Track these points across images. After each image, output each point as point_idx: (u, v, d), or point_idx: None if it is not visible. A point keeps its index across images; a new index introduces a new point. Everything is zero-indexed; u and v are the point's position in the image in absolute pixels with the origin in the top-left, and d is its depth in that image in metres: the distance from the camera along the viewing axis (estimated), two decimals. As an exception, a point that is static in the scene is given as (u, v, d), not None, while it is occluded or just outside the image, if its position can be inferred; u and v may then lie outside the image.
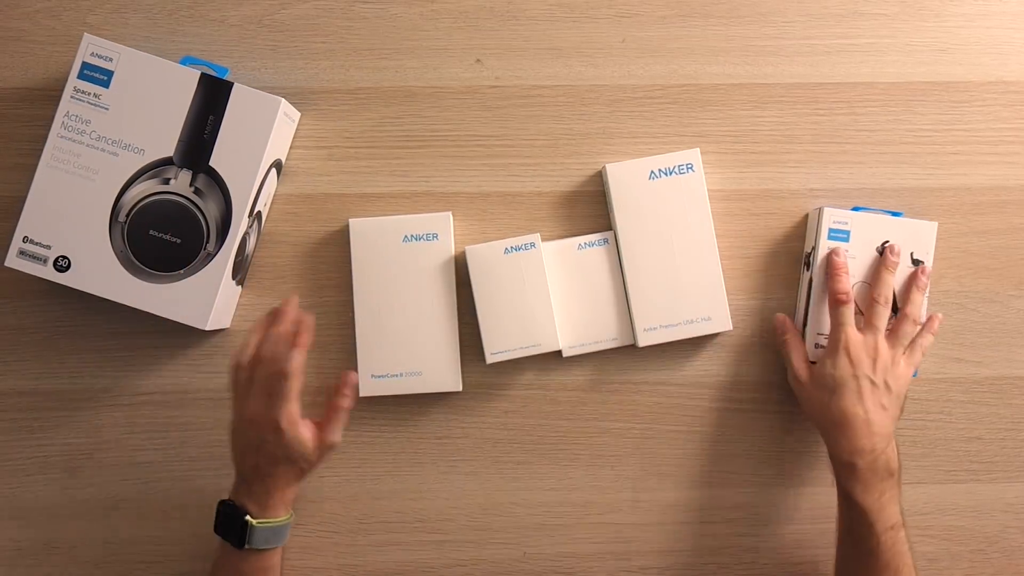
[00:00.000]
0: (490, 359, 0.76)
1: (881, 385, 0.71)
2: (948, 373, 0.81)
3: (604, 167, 0.77)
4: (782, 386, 0.80)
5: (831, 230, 0.76)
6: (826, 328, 0.75)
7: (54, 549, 0.78)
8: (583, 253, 0.78)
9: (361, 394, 0.76)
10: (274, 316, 0.70)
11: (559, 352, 0.78)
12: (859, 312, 0.74)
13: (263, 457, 0.68)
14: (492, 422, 0.79)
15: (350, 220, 0.77)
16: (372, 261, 0.77)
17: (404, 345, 0.76)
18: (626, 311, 0.77)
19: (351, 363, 0.78)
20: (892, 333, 0.73)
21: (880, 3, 0.82)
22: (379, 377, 0.76)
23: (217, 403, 0.79)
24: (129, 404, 0.79)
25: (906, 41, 0.82)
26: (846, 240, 0.76)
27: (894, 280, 0.75)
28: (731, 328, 0.77)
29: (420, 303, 0.76)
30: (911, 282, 0.75)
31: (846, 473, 0.70)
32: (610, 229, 0.78)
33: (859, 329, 0.73)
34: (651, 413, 0.80)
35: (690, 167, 0.77)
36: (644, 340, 0.77)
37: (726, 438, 0.80)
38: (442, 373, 0.76)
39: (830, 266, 0.75)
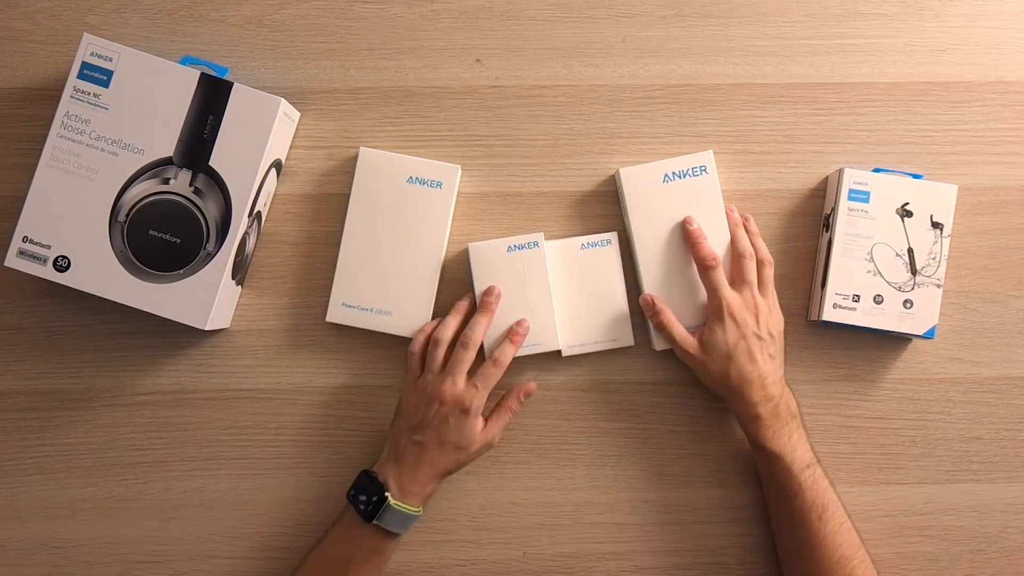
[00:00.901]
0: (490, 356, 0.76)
1: (766, 337, 0.73)
2: (948, 373, 0.81)
3: (618, 171, 0.77)
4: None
5: (851, 191, 0.77)
6: (846, 287, 0.76)
7: (54, 549, 0.78)
8: (586, 253, 0.78)
9: (328, 319, 0.77)
10: (478, 302, 0.74)
11: (558, 352, 0.78)
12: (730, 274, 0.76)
13: (434, 436, 0.71)
14: (492, 422, 0.79)
15: (361, 148, 0.78)
16: (372, 193, 0.77)
17: (382, 282, 0.76)
18: (628, 313, 0.77)
19: (324, 292, 0.79)
20: (753, 282, 0.74)
21: (880, 3, 0.82)
22: (350, 307, 0.76)
23: (216, 403, 0.79)
24: (129, 404, 0.79)
25: (906, 41, 0.82)
26: (866, 201, 0.77)
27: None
28: None
29: (407, 246, 0.76)
30: (745, 230, 0.77)
31: (754, 426, 0.72)
32: (612, 230, 0.78)
33: (733, 287, 0.74)
34: (651, 413, 0.80)
35: (704, 169, 0.77)
36: (660, 344, 0.77)
37: (726, 438, 0.80)
38: (410, 318, 0.76)
39: (689, 235, 0.75)
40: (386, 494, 0.70)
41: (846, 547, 0.69)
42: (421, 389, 0.73)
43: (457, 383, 0.72)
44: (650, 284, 0.77)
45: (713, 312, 0.73)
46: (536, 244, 0.76)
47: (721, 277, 0.74)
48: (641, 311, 0.78)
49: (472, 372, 0.73)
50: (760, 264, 0.75)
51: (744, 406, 0.72)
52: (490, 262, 0.76)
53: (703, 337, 0.74)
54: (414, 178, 0.77)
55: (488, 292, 0.75)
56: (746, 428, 0.73)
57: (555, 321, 0.76)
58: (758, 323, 0.73)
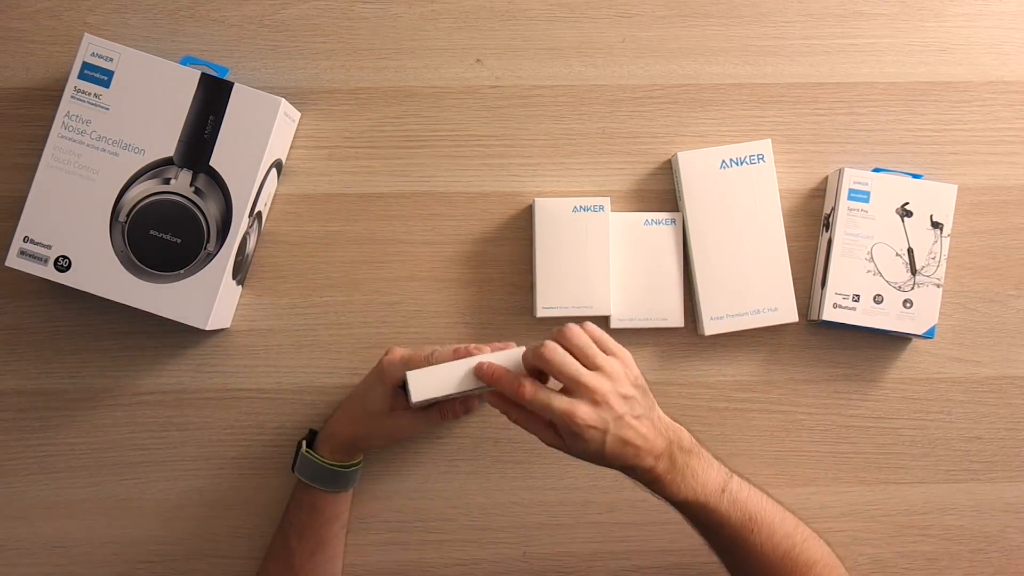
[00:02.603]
0: (540, 313, 0.77)
1: (627, 403, 0.62)
2: (948, 373, 0.81)
3: (675, 155, 0.79)
4: (782, 386, 0.80)
5: (851, 191, 0.77)
6: (846, 287, 0.76)
7: (54, 549, 0.78)
8: (649, 229, 0.78)
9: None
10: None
11: (607, 321, 0.78)
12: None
13: (361, 394, 0.73)
14: (492, 421, 0.79)
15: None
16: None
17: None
18: (681, 294, 0.78)
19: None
20: (567, 369, 0.62)
21: (880, 3, 0.82)
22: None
23: (217, 403, 0.79)
24: (129, 404, 0.79)
25: (906, 41, 0.82)
26: (866, 201, 0.77)
27: None
28: (797, 319, 0.77)
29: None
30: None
31: (657, 486, 0.65)
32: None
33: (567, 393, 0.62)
34: (651, 413, 0.80)
35: (761, 158, 0.78)
36: (711, 329, 0.77)
37: (726, 438, 0.80)
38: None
39: (485, 376, 0.64)
40: (301, 441, 0.74)
41: (785, 540, 0.66)
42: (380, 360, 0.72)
43: (398, 349, 0.70)
44: (702, 269, 0.77)
45: (562, 430, 0.62)
46: (602, 208, 0.77)
47: (543, 396, 0.62)
48: (692, 293, 0.78)
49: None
50: (580, 351, 0.63)
51: (638, 476, 0.65)
52: (554, 220, 0.77)
53: (571, 447, 0.63)
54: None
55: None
56: (650, 489, 0.66)
57: (609, 287, 0.77)
58: (612, 403, 0.62)
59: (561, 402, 0.61)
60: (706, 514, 0.65)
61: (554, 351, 0.62)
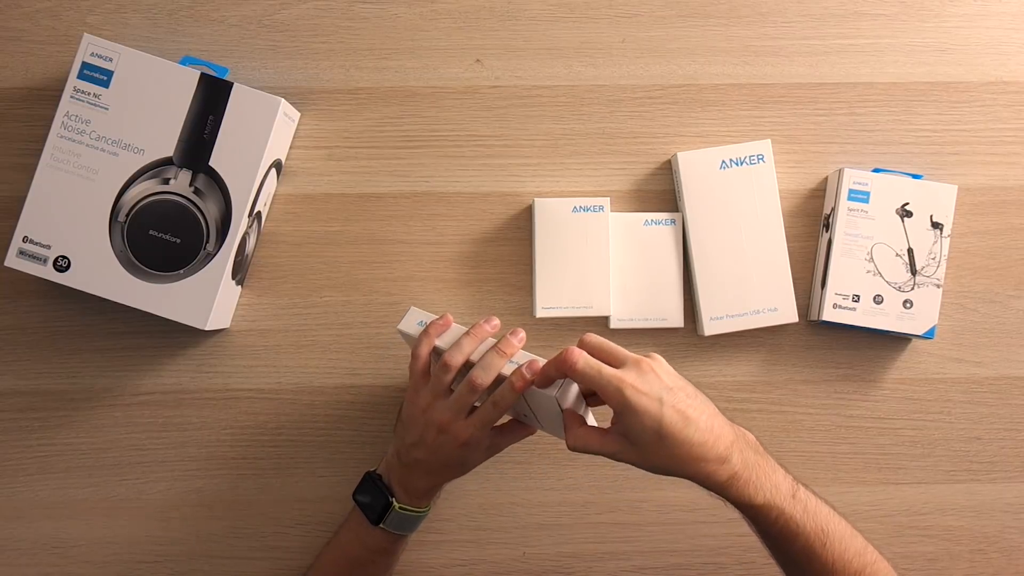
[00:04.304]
0: (540, 313, 0.77)
1: (679, 387, 0.60)
2: (948, 373, 0.81)
3: (675, 155, 0.79)
4: (782, 386, 0.80)
5: (851, 191, 0.77)
6: (846, 287, 0.76)
7: (54, 549, 0.78)
8: (649, 229, 0.78)
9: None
10: (491, 327, 0.66)
11: (606, 323, 0.77)
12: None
13: (433, 457, 0.67)
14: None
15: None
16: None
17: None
18: (681, 294, 0.78)
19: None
20: (629, 355, 0.61)
21: (880, 3, 0.82)
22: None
23: (217, 403, 0.79)
24: (129, 404, 0.79)
25: (906, 41, 0.82)
26: (866, 201, 0.77)
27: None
28: (796, 320, 0.77)
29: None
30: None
31: (734, 488, 0.60)
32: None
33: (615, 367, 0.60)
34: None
35: (761, 158, 0.78)
36: (710, 329, 0.77)
37: (726, 438, 0.80)
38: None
39: (565, 363, 0.60)
40: (391, 499, 0.69)
41: (857, 559, 0.63)
42: (422, 409, 0.66)
43: (456, 418, 0.66)
44: (702, 269, 0.77)
45: (611, 400, 0.59)
46: (602, 208, 0.77)
47: (596, 364, 0.59)
48: (692, 293, 0.78)
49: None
50: (609, 357, 0.62)
51: (710, 474, 0.59)
52: (553, 220, 0.76)
53: (619, 432, 0.60)
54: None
55: (489, 320, 0.67)
56: (724, 493, 0.60)
57: (609, 287, 0.76)
58: (660, 375, 0.59)
59: (610, 370, 0.59)
60: (783, 521, 0.60)
61: (589, 347, 0.61)
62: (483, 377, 0.64)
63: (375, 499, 0.69)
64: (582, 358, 0.59)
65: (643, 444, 0.59)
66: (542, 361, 0.63)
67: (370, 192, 0.80)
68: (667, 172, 0.81)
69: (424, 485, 0.69)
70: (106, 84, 0.73)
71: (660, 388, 0.58)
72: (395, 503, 0.68)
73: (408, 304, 0.79)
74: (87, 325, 0.79)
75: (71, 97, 0.73)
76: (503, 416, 0.66)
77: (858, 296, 0.77)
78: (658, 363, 0.61)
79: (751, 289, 0.77)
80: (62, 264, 0.72)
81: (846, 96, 0.81)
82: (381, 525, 0.69)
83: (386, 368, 0.79)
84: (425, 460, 0.67)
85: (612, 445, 0.61)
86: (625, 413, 0.58)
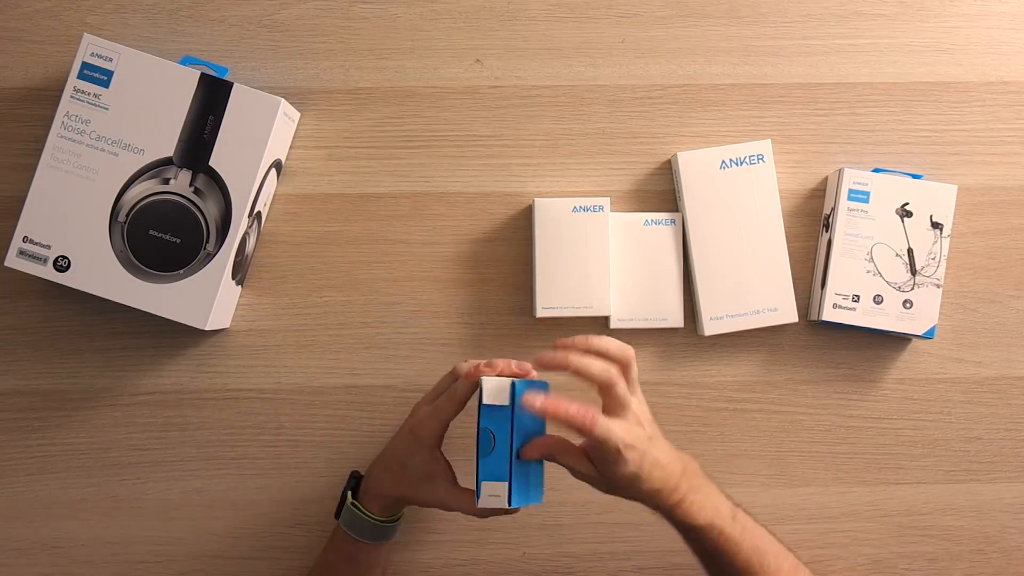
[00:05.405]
0: (540, 313, 0.77)
1: (656, 440, 0.64)
2: (948, 373, 0.81)
3: (675, 155, 0.79)
4: (782, 386, 0.80)
5: (851, 191, 0.77)
6: (846, 287, 0.76)
7: (54, 549, 0.78)
8: (649, 229, 0.78)
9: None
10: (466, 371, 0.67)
11: (606, 324, 0.78)
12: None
13: (390, 445, 0.70)
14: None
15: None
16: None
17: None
18: (681, 294, 0.78)
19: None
20: (628, 397, 0.63)
21: (880, 3, 0.82)
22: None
23: (216, 403, 0.79)
24: (129, 404, 0.79)
25: (906, 41, 0.82)
26: (866, 201, 0.77)
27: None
28: (796, 320, 0.77)
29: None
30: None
31: (680, 510, 0.64)
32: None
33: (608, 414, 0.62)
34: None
35: (761, 158, 0.78)
36: (710, 329, 0.77)
37: (726, 438, 0.80)
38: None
39: (547, 410, 0.61)
40: (347, 491, 0.71)
41: (791, 574, 0.67)
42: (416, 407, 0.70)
43: (422, 407, 0.69)
44: (702, 269, 0.77)
45: (607, 455, 0.61)
46: (601, 208, 0.77)
47: (606, 421, 0.61)
48: (692, 293, 0.78)
49: None
50: (625, 368, 0.64)
51: (661, 501, 0.64)
52: (553, 220, 0.77)
53: (603, 475, 0.63)
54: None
55: (522, 364, 0.66)
56: (670, 516, 0.65)
57: (609, 287, 0.77)
58: (643, 423, 0.63)
59: (621, 425, 0.61)
60: (723, 540, 0.65)
61: (599, 368, 0.61)
62: (463, 367, 0.67)
63: (344, 492, 0.71)
64: (601, 419, 0.60)
65: (613, 480, 0.63)
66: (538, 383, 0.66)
67: (370, 192, 0.80)
68: (667, 172, 0.81)
69: (376, 482, 0.70)
70: (106, 84, 0.73)
71: (644, 440, 0.62)
72: (349, 495, 0.70)
73: (408, 304, 0.80)
74: (87, 325, 0.79)
75: (71, 97, 0.73)
76: (460, 410, 0.66)
77: (858, 296, 0.77)
78: (640, 404, 0.64)
79: (751, 289, 0.77)
80: (62, 264, 0.72)
81: (846, 96, 0.81)
82: (338, 521, 0.71)
83: (386, 368, 0.79)
84: (384, 452, 0.71)
85: (585, 466, 0.64)
86: (612, 463, 0.61)
